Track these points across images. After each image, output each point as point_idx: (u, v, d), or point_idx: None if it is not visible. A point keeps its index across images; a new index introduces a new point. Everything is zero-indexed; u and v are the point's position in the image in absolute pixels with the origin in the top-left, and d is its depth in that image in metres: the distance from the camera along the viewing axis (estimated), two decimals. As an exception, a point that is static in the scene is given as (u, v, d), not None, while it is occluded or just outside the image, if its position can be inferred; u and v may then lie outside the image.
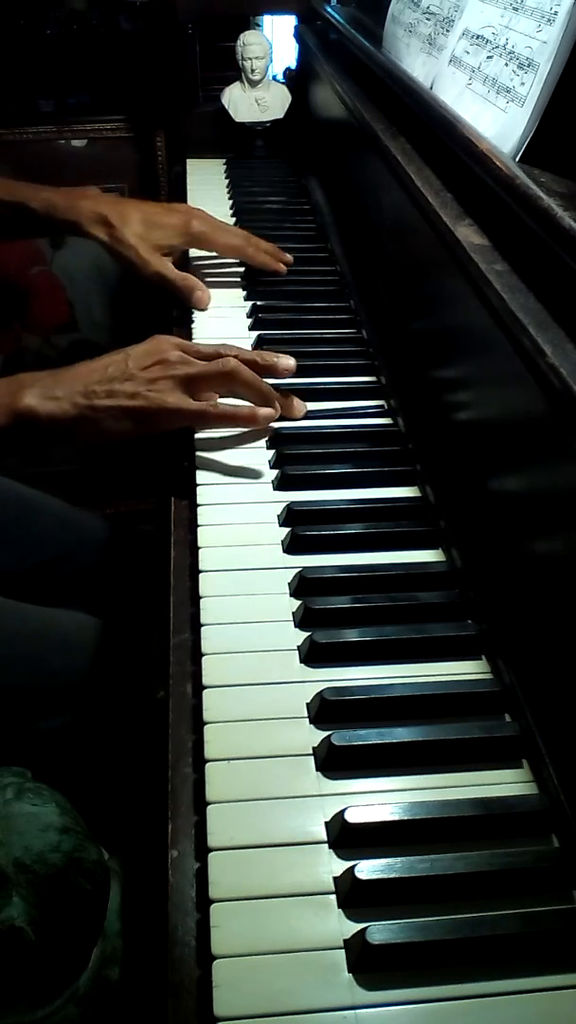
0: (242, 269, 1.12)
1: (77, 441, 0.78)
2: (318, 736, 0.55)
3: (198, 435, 0.81)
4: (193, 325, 1.00)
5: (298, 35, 1.63)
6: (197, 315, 1.02)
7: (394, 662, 0.60)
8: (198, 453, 0.80)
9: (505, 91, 0.70)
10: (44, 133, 1.77)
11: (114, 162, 1.81)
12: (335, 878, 0.48)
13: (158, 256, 1.02)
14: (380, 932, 0.44)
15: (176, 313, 1.03)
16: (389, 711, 0.56)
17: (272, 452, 0.80)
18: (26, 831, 0.64)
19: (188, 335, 0.98)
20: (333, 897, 0.47)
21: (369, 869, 0.47)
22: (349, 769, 0.53)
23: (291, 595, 0.66)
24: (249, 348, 0.95)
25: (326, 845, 0.50)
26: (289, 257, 1.10)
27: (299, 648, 0.61)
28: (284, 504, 0.73)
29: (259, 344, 0.96)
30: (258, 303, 1.02)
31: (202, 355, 0.80)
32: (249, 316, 1.02)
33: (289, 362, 0.83)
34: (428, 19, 0.93)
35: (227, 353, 0.80)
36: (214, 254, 1.10)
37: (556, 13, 0.65)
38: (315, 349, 0.96)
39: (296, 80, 1.61)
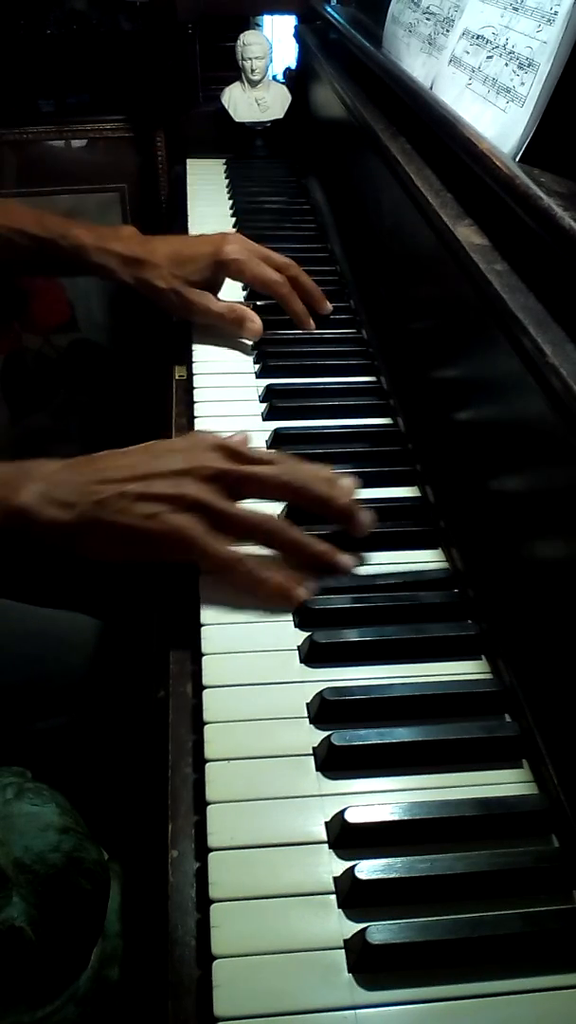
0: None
1: (76, 555, 0.66)
2: (318, 736, 0.55)
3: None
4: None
5: (298, 35, 1.63)
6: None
7: (394, 662, 0.60)
8: None
9: (505, 91, 0.70)
10: (44, 133, 1.77)
11: (114, 162, 1.81)
12: (335, 878, 0.48)
13: (198, 293, 0.95)
14: (380, 932, 0.44)
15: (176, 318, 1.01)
16: (389, 711, 0.56)
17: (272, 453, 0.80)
18: (26, 831, 0.64)
19: (187, 332, 0.98)
20: (333, 897, 0.47)
21: (369, 869, 0.47)
22: (349, 769, 0.53)
23: (291, 595, 0.66)
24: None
25: (326, 845, 0.50)
26: (329, 306, 1.00)
27: (299, 648, 0.61)
28: (284, 504, 0.73)
29: (258, 345, 0.96)
30: (258, 303, 1.02)
31: (250, 460, 0.67)
32: (249, 316, 1.01)
33: (348, 481, 0.69)
34: (428, 19, 0.93)
35: (283, 468, 0.66)
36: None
37: (556, 13, 0.65)
38: (315, 349, 0.96)
39: (296, 80, 1.61)
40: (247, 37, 1.48)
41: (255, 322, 0.95)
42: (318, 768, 0.54)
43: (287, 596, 0.63)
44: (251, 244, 0.98)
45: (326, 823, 0.51)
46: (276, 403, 0.86)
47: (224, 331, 0.96)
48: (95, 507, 0.63)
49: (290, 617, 0.64)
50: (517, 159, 0.65)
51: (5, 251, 0.98)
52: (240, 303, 0.99)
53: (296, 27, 1.64)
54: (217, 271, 0.96)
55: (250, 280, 0.98)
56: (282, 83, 1.58)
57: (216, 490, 0.64)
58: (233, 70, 1.53)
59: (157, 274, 0.95)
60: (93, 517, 0.63)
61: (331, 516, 0.68)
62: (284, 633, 0.63)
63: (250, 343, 0.96)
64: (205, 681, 0.59)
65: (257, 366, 0.94)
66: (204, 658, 0.60)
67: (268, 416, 0.85)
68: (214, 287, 0.98)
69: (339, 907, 0.47)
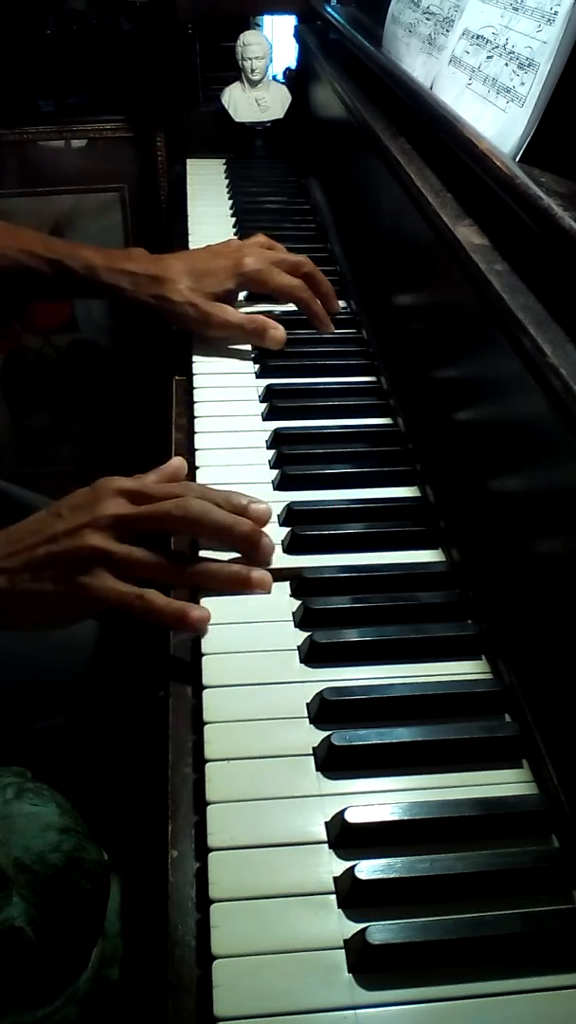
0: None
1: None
2: (318, 736, 0.55)
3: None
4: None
5: (298, 35, 1.63)
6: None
7: (394, 662, 0.60)
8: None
9: (505, 91, 0.70)
10: (44, 133, 1.77)
11: (114, 162, 1.81)
12: (335, 878, 0.48)
13: (217, 306, 0.93)
14: (380, 932, 0.44)
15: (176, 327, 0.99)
16: (389, 711, 0.56)
17: (272, 452, 0.80)
18: (26, 831, 0.64)
19: (187, 340, 0.98)
20: (333, 897, 0.47)
21: (369, 869, 0.47)
22: (349, 769, 0.53)
23: (291, 595, 0.66)
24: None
25: (326, 845, 0.50)
26: (339, 305, 1.02)
27: (299, 648, 0.61)
28: (284, 504, 0.73)
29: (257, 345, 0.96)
30: (256, 306, 1.02)
31: (150, 499, 0.66)
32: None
33: (260, 508, 0.68)
34: (428, 19, 0.93)
35: (178, 502, 0.65)
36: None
37: (556, 13, 0.65)
38: (315, 349, 0.96)
39: (296, 80, 1.61)
40: (247, 37, 1.48)
41: (278, 330, 0.93)
42: (318, 768, 0.54)
43: (182, 622, 0.62)
44: (265, 251, 0.97)
45: (326, 823, 0.51)
46: (276, 403, 0.86)
47: (244, 343, 0.95)
48: (8, 580, 0.63)
49: (290, 617, 0.64)
50: (517, 159, 0.65)
51: (17, 272, 0.97)
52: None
53: (296, 27, 1.64)
54: (239, 284, 0.96)
55: (274, 290, 0.97)
56: (282, 83, 1.58)
57: (113, 537, 0.64)
58: (233, 70, 1.53)
59: (173, 288, 0.93)
60: (7, 589, 0.63)
61: (231, 546, 0.67)
62: (284, 633, 0.63)
63: (249, 346, 0.96)
64: (205, 681, 0.59)
65: (257, 366, 0.93)
66: (204, 658, 0.60)
67: (268, 416, 0.85)
68: (231, 301, 0.96)
69: (339, 907, 0.47)
